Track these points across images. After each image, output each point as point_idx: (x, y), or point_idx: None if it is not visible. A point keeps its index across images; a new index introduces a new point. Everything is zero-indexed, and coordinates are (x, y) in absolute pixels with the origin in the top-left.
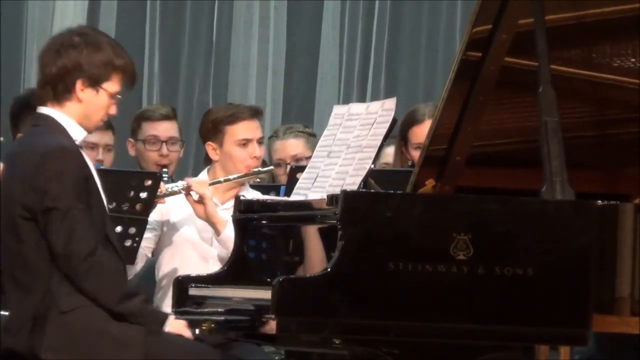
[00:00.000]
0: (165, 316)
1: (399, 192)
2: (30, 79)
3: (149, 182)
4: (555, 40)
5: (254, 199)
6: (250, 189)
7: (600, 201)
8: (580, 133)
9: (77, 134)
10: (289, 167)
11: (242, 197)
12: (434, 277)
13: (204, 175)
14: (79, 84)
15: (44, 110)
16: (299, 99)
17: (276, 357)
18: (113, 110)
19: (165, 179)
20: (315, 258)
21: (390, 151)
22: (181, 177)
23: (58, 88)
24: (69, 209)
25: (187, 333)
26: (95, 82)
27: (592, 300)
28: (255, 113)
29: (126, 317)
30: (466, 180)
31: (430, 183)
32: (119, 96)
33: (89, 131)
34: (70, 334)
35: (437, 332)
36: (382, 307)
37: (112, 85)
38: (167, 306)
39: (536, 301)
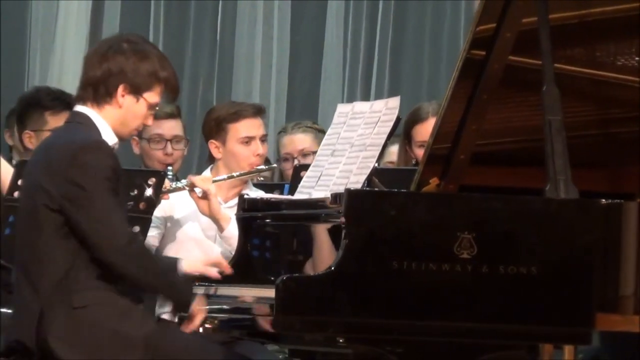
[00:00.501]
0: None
1: (402, 190)
2: (34, 76)
3: (153, 181)
4: (559, 38)
5: (258, 198)
6: (254, 188)
7: (604, 200)
8: (584, 132)
9: (110, 139)
10: (296, 161)
11: (246, 196)
12: (437, 276)
13: (207, 174)
14: (120, 89)
15: (81, 108)
16: (302, 98)
17: (280, 356)
18: (150, 121)
19: (170, 176)
20: (325, 255)
21: (394, 150)
22: (185, 176)
23: (99, 90)
24: (103, 201)
25: (205, 270)
26: (137, 90)
27: (595, 299)
28: (259, 111)
29: (161, 292)
30: (470, 178)
31: (434, 182)
32: (157, 108)
33: (123, 138)
34: (78, 328)
35: (441, 331)
36: (385, 306)
37: (153, 96)
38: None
39: (540, 300)
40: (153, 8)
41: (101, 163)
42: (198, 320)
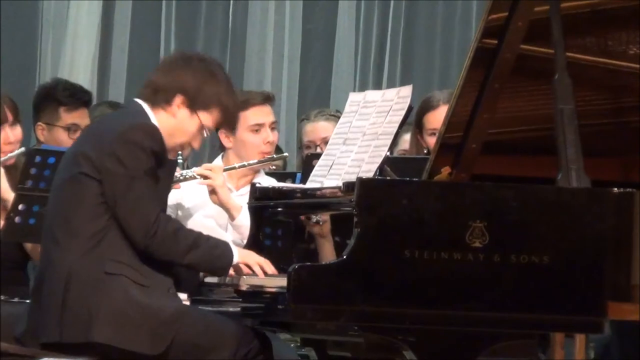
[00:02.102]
0: (231, 257)
1: (414, 179)
2: (46, 72)
3: None
4: (571, 27)
5: (270, 187)
6: (265, 176)
7: (615, 189)
8: (596, 121)
9: None
10: (319, 148)
11: (258, 185)
12: (449, 265)
13: (218, 162)
14: (177, 99)
15: (139, 101)
16: (314, 86)
17: (292, 345)
18: (197, 144)
19: (180, 161)
20: (325, 252)
21: (408, 138)
22: (196, 164)
23: (159, 95)
24: (141, 184)
25: (253, 259)
26: (193, 106)
27: (607, 288)
28: (267, 98)
29: (196, 266)
30: (482, 168)
31: (445, 171)
32: (208, 133)
33: (167, 148)
34: (106, 292)
35: (453, 320)
36: (397, 295)
37: (207, 118)
38: (182, 293)
39: (551, 289)
40: None
41: (147, 144)
42: (253, 267)
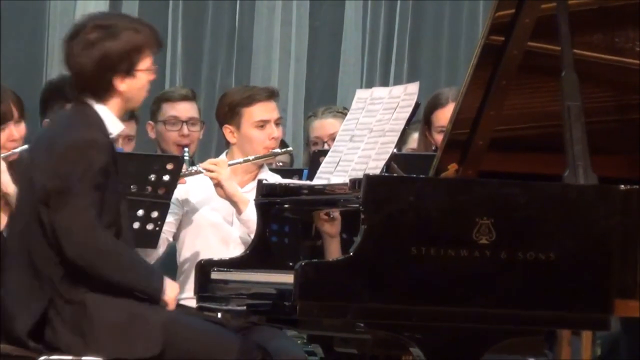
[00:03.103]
0: (160, 292)
1: (421, 176)
2: (53, 70)
3: (171, 166)
4: (578, 24)
5: (277, 183)
6: (270, 172)
7: (622, 186)
8: (603, 118)
9: (115, 128)
10: (326, 145)
11: (264, 181)
12: (456, 262)
13: (223, 158)
14: (117, 81)
15: (86, 100)
16: (321, 84)
17: (298, 341)
18: (151, 77)
19: (187, 158)
20: (332, 250)
21: (417, 136)
22: (202, 160)
23: (97, 89)
24: (84, 197)
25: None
26: (129, 71)
27: (614, 285)
28: (272, 94)
29: (124, 287)
30: (489, 164)
31: (452, 167)
32: (154, 66)
33: (135, 110)
34: (80, 322)
35: (460, 317)
36: (404, 292)
37: (145, 63)
38: (189, 290)
39: (558, 286)
40: None
41: (92, 160)
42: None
